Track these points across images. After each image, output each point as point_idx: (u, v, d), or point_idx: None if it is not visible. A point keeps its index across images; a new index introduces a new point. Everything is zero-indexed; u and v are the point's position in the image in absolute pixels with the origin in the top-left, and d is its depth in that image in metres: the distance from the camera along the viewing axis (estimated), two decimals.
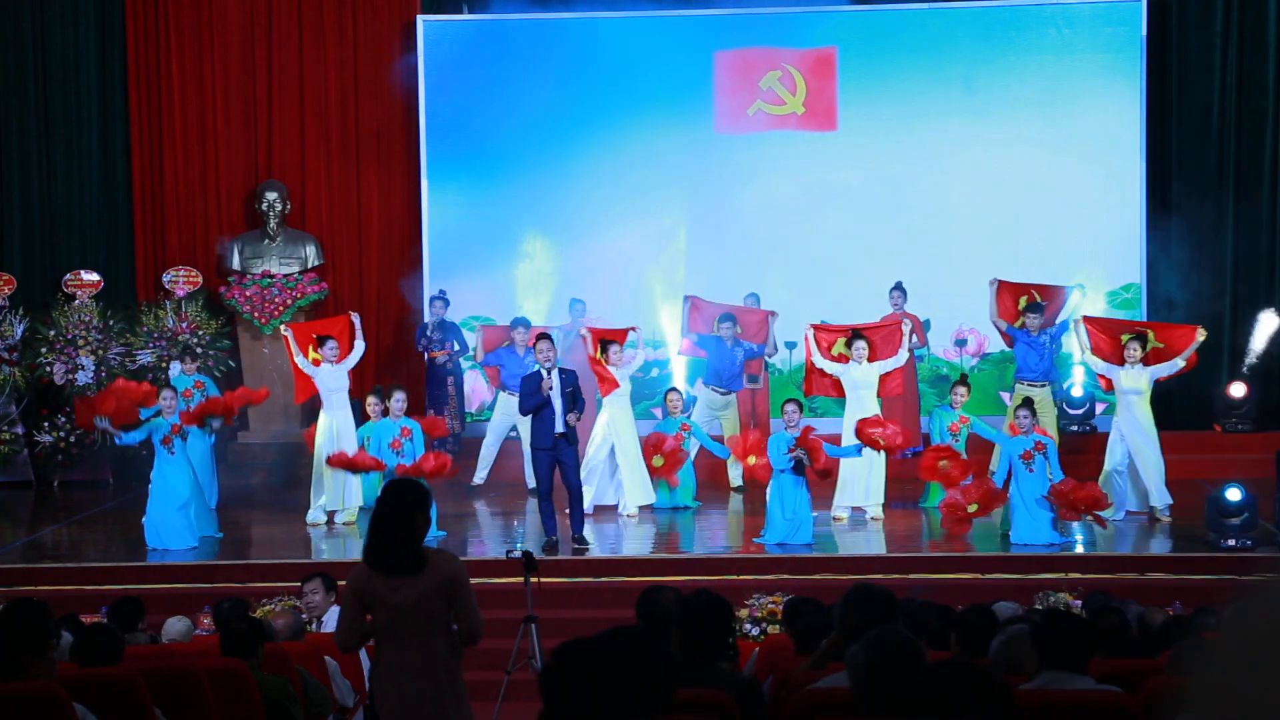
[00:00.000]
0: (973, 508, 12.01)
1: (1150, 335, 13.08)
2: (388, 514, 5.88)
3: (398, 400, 12.49)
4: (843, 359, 13.23)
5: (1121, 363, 12.81)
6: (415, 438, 12.38)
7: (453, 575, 5.89)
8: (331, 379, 13.24)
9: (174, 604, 9.73)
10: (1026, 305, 13.94)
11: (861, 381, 13.06)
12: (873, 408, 12.92)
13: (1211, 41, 15.94)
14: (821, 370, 13.25)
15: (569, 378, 11.89)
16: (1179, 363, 12.91)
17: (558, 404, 11.77)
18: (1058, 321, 14.01)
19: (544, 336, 12.20)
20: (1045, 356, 13.87)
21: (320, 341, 13.39)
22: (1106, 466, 12.82)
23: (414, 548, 5.83)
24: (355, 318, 13.80)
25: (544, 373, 11.79)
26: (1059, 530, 11.87)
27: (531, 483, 14.44)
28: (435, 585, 5.84)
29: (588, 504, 12.69)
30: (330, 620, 8.99)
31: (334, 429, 13.09)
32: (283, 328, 13.96)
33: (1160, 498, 12.73)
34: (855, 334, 13.32)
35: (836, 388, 13.30)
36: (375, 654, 6.01)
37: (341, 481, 12.96)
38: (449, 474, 12.48)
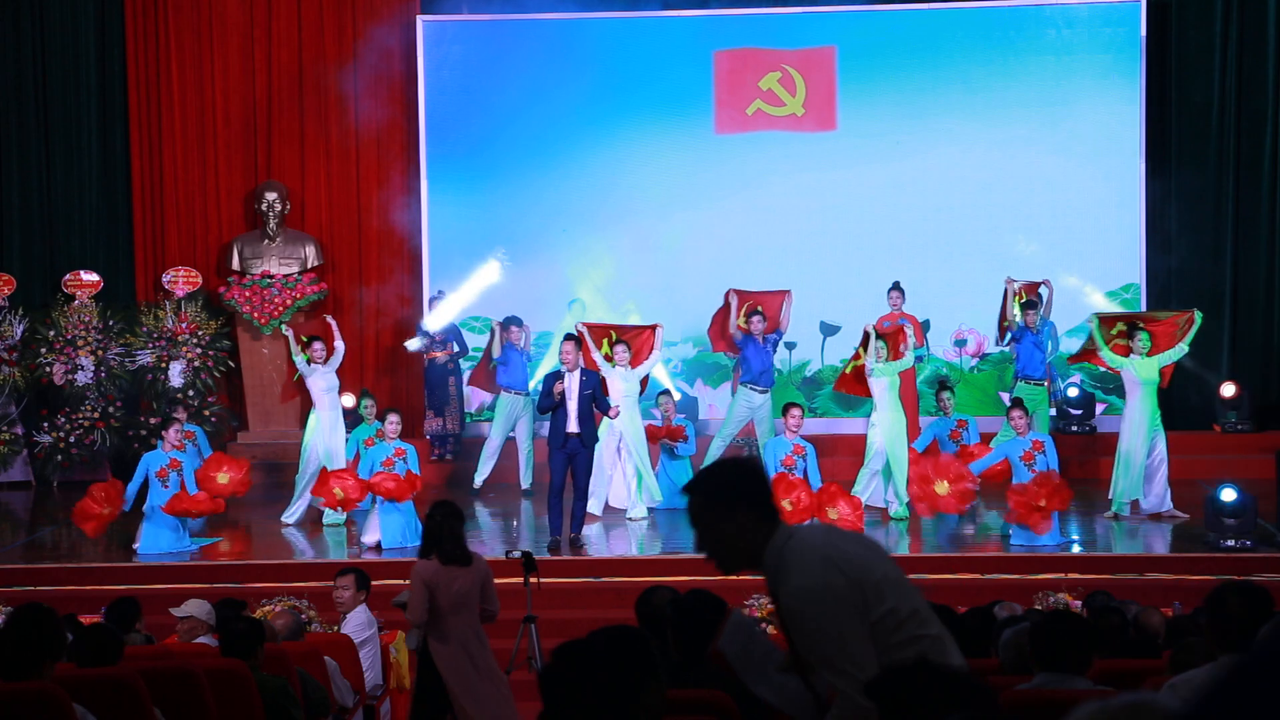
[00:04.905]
0: (941, 487, 12.00)
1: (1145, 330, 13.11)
2: (443, 523, 8.12)
3: (392, 422, 12.45)
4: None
5: (1127, 354, 12.88)
6: (409, 459, 12.32)
7: (486, 571, 8.29)
8: (322, 379, 13.36)
9: (174, 604, 9.70)
10: (1024, 303, 13.94)
11: (880, 382, 13.05)
12: (892, 407, 12.92)
13: (1211, 41, 15.93)
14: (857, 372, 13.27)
15: (590, 379, 11.89)
16: (1183, 348, 12.98)
17: (572, 405, 11.77)
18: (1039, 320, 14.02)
19: (568, 337, 12.18)
20: (1046, 354, 13.91)
21: (307, 342, 13.50)
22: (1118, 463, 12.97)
23: (465, 548, 8.19)
24: (330, 320, 13.96)
25: (563, 373, 11.79)
26: (1059, 531, 11.89)
27: (525, 483, 14.48)
28: (477, 577, 8.17)
29: (598, 508, 12.81)
30: (352, 620, 9.03)
31: (323, 428, 13.19)
32: (284, 327, 14.16)
33: (1147, 498, 12.84)
34: (872, 335, 13.32)
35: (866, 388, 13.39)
36: (438, 623, 8.09)
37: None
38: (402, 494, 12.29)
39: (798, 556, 3.94)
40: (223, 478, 12.63)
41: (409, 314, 16.36)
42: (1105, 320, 13.35)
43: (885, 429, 12.98)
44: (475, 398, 15.89)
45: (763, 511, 3.99)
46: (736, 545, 3.98)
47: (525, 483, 14.47)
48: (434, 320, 15.15)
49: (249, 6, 16.55)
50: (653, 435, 13.66)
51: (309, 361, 13.39)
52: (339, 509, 12.79)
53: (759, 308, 14.23)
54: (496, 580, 10.70)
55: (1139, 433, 12.77)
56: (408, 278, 16.41)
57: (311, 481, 13.07)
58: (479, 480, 14.60)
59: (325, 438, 13.19)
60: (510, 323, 14.51)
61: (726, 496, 3.99)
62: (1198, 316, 13.14)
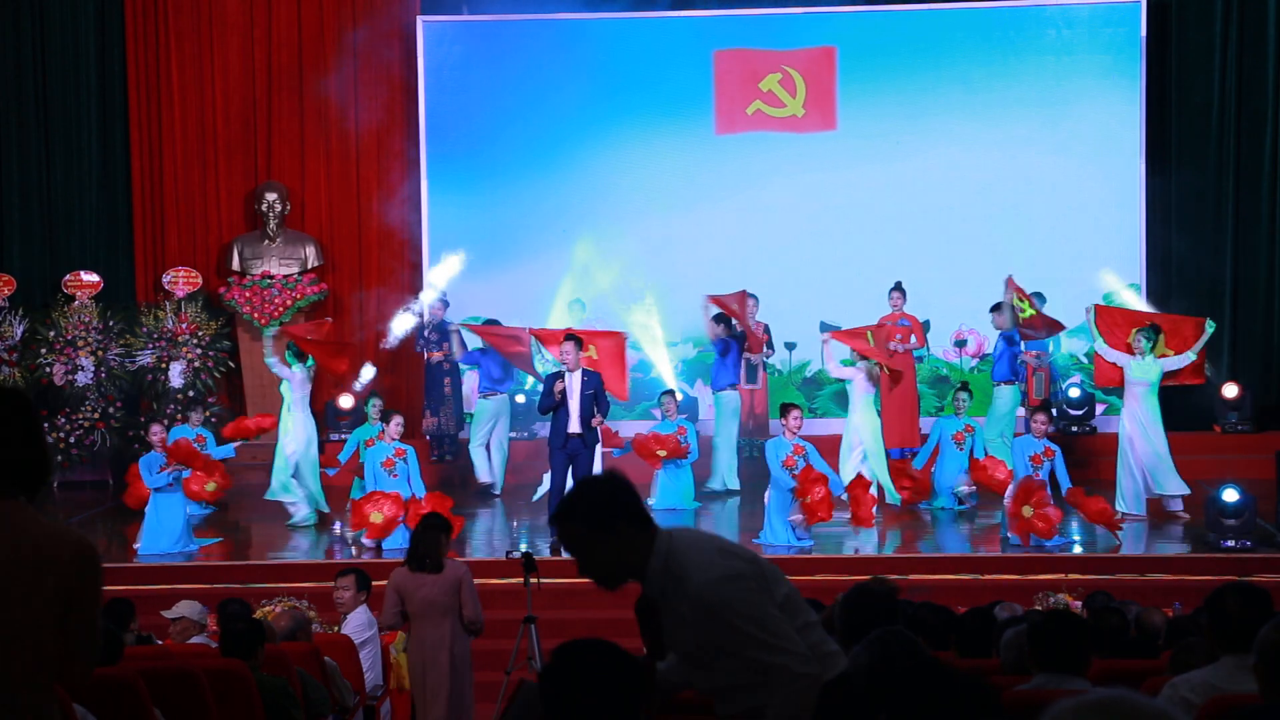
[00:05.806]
0: (1027, 511, 11.67)
1: (1160, 334, 13.05)
2: (422, 534, 8.30)
3: (395, 423, 12.46)
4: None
5: (1132, 353, 12.86)
6: (410, 460, 12.34)
7: (460, 576, 8.30)
8: (300, 381, 13.37)
9: (174, 605, 9.70)
10: (994, 306, 14.08)
11: (862, 384, 13.10)
12: (868, 408, 12.96)
13: (1211, 42, 15.93)
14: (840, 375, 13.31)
15: (591, 380, 11.88)
16: (1190, 356, 12.95)
17: (574, 405, 11.77)
18: (1040, 337, 14.05)
19: (569, 338, 12.17)
20: (996, 358, 14.01)
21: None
22: (1121, 463, 12.93)
23: (437, 557, 8.26)
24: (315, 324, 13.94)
25: (564, 374, 11.79)
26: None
27: (497, 486, 14.47)
28: (449, 583, 8.23)
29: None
30: (352, 620, 9.07)
31: (290, 429, 13.22)
32: (266, 333, 14.22)
33: (1177, 487, 12.78)
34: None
35: None
36: (411, 627, 8.33)
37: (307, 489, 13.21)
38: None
39: (692, 555, 3.97)
40: (210, 486, 12.71)
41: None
42: (1105, 313, 13.33)
43: (864, 425, 13.01)
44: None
45: (640, 523, 4.01)
46: (619, 561, 4.00)
47: (498, 486, 14.48)
48: (426, 312, 15.09)
49: (249, 7, 16.54)
50: (644, 450, 13.57)
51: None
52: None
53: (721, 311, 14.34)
54: (496, 580, 10.79)
55: (1154, 430, 12.75)
56: (408, 278, 16.41)
57: (303, 482, 13.15)
58: (498, 487, 14.57)
59: (293, 439, 13.20)
60: (487, 325, 14.50)
61: (603, 516, 3.99)
62: (1209, 325, 13.06)
